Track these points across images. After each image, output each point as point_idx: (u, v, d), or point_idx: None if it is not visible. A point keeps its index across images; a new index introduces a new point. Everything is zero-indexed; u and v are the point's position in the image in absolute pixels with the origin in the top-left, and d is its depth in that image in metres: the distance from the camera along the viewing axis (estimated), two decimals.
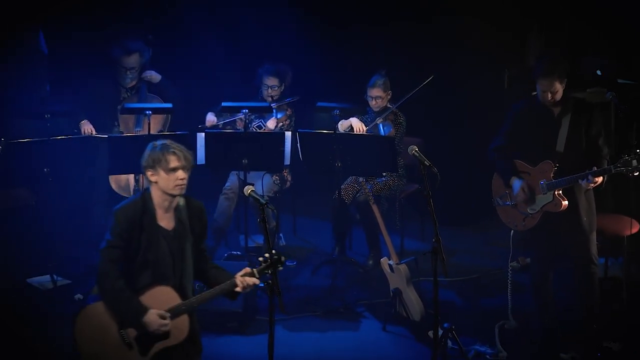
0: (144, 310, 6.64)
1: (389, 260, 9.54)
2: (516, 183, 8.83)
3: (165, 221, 6.83)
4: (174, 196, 6.80)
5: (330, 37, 12.44)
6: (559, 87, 8.64)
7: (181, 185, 6.72)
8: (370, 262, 10.65)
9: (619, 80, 10.61)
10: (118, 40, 10.67)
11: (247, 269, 6.83)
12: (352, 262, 10.71)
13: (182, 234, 6.87)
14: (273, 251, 6.81)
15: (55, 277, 10.15)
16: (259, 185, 10.29)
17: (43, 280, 10.24)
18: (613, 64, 10.88)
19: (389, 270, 9.55)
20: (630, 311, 9.31)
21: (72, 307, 9.79)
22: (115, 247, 6.66)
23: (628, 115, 8.86)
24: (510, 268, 9.50)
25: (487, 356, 8.91)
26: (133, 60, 10.54)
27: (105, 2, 12.46)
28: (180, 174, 6.72)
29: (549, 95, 8.65)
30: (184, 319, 6.83)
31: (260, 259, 6.84)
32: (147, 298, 6.70)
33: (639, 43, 11.44)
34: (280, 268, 6.86)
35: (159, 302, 6.71)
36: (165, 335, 6.76)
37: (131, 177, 10.32)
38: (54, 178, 9.92)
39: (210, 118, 10.50)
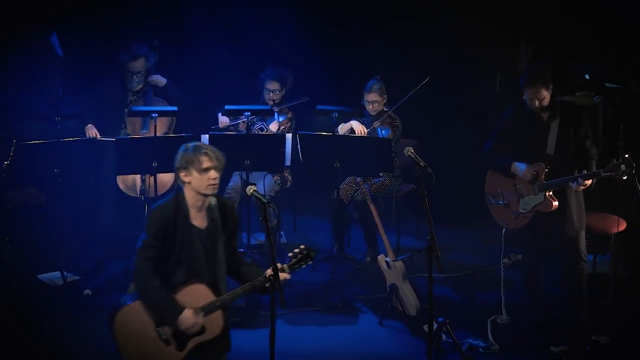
0: (180, 309, 6.66)
1: (386, 257, 9.55)
2: (521, 165, 8.81)
3: (199, 220, 6.82)
4: (206, 196, 6.79)
5: (329, 43, 12.46)
6: (546, 94, 8.71)
7: (214, 185, 6.72)
8: (368, 259, 10.67)
9: (607, 84, 10.63)
10: (125, 45, 10.69)
11: (281, 265, 6.80)
12: (350, 258, 10.73)
13: (214, 233, 6.87)
14: (302, 246, 6.92)
15: (65, 273, 10.16)
16: (261, 185, 10.30)
17: (53, 276, 10.25)
18: (600, 69, 10.89)
19: (385, 267, 9.57)
20: (618, 306, 9.32)
21: (82, 302, 9.86)
22: (151, 247, 6.66)
23: (615, 118, 8.86)
24: (503, 265, 9.52)
25: (480, 349, 8.92)
26: (139, 64, 10.55)
27: (113, 8, 12.48)
28: (213, 174, 6.72)
29: (537, 102, 8.72)
30: (218, 315, 6.84)
31: (290, 254, 6.90)
32: (182, 295, 6.71)
33: (626, 49, 11.47)
34: (310, 262, 6.96)
35: (194, 299, 6.72)
36: (201, 330, 6.78)
37: (138, 177, 10.33)
38: (63, 178, 9.95)
39: (223, 119, 10.51)
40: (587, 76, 10.87)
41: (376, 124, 10.34)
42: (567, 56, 11.30)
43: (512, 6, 11.87)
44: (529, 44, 12.03)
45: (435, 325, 8.32)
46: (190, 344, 6.81)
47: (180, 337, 6.77)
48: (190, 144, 6.82)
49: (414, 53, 11.96)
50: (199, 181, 6.71)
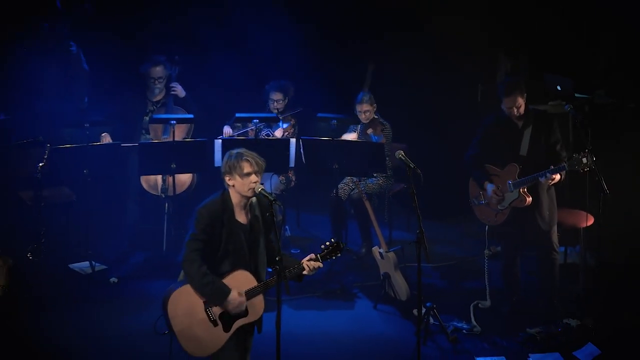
0: (228, 290, 6.70)
1: (379, 248, 9.57)
2: (489, 187, 8.98)
3: (242, 217, 6.85)
4: (248, 197, 6.84)
5: (328, 58, 12.45)
6: (522, 102, 8.80)
7: (253, 187, 6.76)
8: (363, 250, 10.67)
9: (576, 95, 10.65)
10: (146, 57, 10.70)
11: (312, 255, 6.92)
12: (347, 250, 10.74)
13: (256, 228, 6.91)
14: (332, 239, 7.02)
15: (93, 263, 10.18)
16: (268, 184, 10.31)
17: (83, 265, 10.26)
18: (570, 81, 10.92)
19: (379, 257, 9.59)
20: (586, 293, 9.34)
21: (110, 289, 9.88)
22: (199, 240, 6.68)
23: (583, 124, 8.90)
24: (485, 256, 9.55)
25: (464, 331, 8.94)
26: (159, 70, 10.53)
27: (135, 26, 12.51)
28: (253, 177, 6.75)
29: (515, 110, 8.79)
30: (260, 299, 6.90)
31: (323, 246, 6.98)
32: (228, 280, 6.74)
33: (591, 64, 11.51)
34: (339, 254, 7.04)
35: (239, 284, 6.77)
36: (245, 313, 6.82)
37: (159, 177, 10.34)
38: (92, 178, 9.95)
39: (227, 130, 10.53)
40: (558, 87, 10.88)
41: (369, 130, 10.36)
42: (541, 69, 11.30)
43: (492, 23, 11.87)
44: (507, 58, 12.03)
45: (423, 310, 8.35)
46: (235, 326, 6.84)
47: (227, 318, 6.81)
48: (234, 152, 6.86)
49: (401, 68, 11.94)
50: (241, 185, 6.76)
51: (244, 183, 6.76)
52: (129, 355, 8.43)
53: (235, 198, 6.83)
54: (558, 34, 11.57)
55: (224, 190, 6.87)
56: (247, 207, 6.89)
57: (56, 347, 8.58)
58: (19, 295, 5.90)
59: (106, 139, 10.33)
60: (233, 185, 6.80)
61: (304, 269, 6.91)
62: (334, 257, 7.05)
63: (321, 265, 6.96)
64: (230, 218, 6.80)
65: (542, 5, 11.70)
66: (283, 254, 6.82)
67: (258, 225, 6.93)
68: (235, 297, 6.72)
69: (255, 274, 6.89)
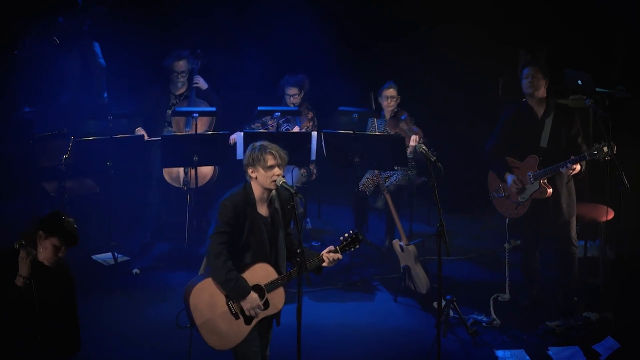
0: (247, 291, 6.66)
1: (400, 241, 9.54)
2: (509, 178, 8.94)
3: (263, 210, 6.82)
4: (270, 190, 6.80)
5: (351, 54, 12.44)
6: (543, 81, 8.74)
7: (276, 180, 6.71)
8: (386, 242, 10.63)
9: (597, 89, 10.58)
10: (170, 52, 10.70)
11: (331, 247, 6.89)
12: (369, 243, 10.71)
13: (276, 220, 6.87)
14: (351, 231, 6.99)
15: (116, 254, 10.18)
16: (289, 177, 10.29)
17: (106, 257, 10.29)
18: (591, 75, 10.86)
19: (399, 250, 9.56)
20: (606, 286, 9.29)
21: (132, 280, 9.88)
22: (223, 232, 6.64)
23: (604, 119, 8.83)
24: (505, 249, 9.50)
25: (483, 324, 8.91)
26: (183, 64, 10.54)
27: (162, 23, 12.55)
28: (277, 170, 6.72)
29: (535, 83, 8.74)
30: (280, 292, 6.87)
31: (341, 238, 6.95)
32: (249, 272, 6.71)
33: (613, 58, 11.44)
34: (358, 246, 7.01)
35: (260, 277, 6.75)
36: (266, 305, 6.79)
37: (181, 169, 10.33)
38: (115, 170, 9.97)
39: (232, 137, 10.43)
40: (579, 82, 10.81)
41: (402, 125, 10.29)
42: (562, 64, 11.23)
43: (514, 20, 11.84)
44: (527, 53, 11.96)
45: (443, 302, 8.32)
46: (257, 318, 6.81)
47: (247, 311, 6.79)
48: (257, 144, 6.82)
49: (423, 63, 11.90)
50: (264, 177, 6.71)
51: (267, 175, 6.72)
52: (150, 346, 8.44)
53: (257, 190, 6.78)
54: (579, 30, 11.50)
55: (246, 182, 6.83)
56: (269, 199, 6.84)
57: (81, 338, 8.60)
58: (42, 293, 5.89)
59: (140, 132, 10.31)
60: (256, 178, 6.76)
61: (323, 261, 6.87)
62: (352, 249, 7.01)
63: (340, 257, 6.92)
64: (252, 210, 6.76)
65: (562, 3, 11.64)
66: (303, 246, 6.78)
67: (278, 218, 6.89)
68: (253, 298, 6.69)
69: (275, 267, 6.85)
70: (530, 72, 8.80)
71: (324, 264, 6.89)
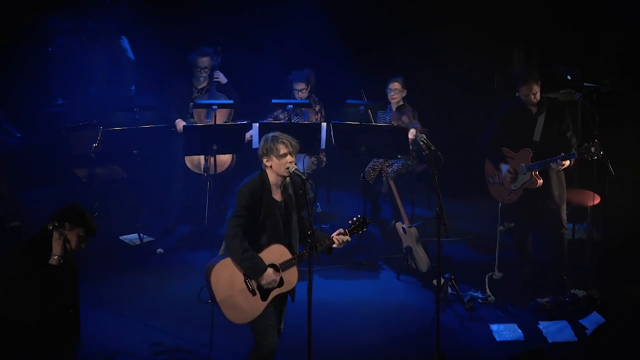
0: (264, 268, 6.69)
1: (402, 224, 9.56)
2: (504, 167, 8.94)
3: (277, 195, 6.83)
4: (284, 177, 6.82)
5: (358, 50, 12.42)
6: (537, 89, 8.74)
7: (289, 167, 6.73)
8: (393, 222, 10.63)
9: (585, 84, 10.58)
10: (194, 48, 10.70)
11: (341, 230, 6.92)
12: (381, 220, 10.72)
13: (289, 205, 6.90)
14: (359, 215, 7.03)
15: (142, 235, 10.23)
16: (301, 164, 10.29)
17: (132, 237, 10.33)
18: (579, 71, 10.86)
19: (402, 232, 9.57)
20: (592, 266, 9.29)
21: (156, 258, 9.92)
22: (241, 216, 6.65)
23: (592, 111, 8.85)
24: (498, 231, 9.52)
25: (479, 300, 8.93)
26: (206, 60, 10.52)
27: (185, 22, 12.57)
28: (289, 158, 6.73)
29: (532, 97, 8.73)
30: (293, 271, 6.89)
31: (350, 222, 6.98)
32: (265, 253, 6.73)
33: (599, 54, 11.43)
34: (365, 229, 7.05)
35: (275, 257, 6.77)
36: (281, 283, 6.81)
37: (202, 157, 10.35)
38: (141, 158, 10.01)
39: (247, 134, 10.40)
40: (569, 77, 10.81)
41: (404, 118, 10.26)
42: (553, 60, 11.22)
43: (508, 20, 11.83)
44: (521, 50, 11.95)
45: (442, 280, 8.34)
46: (272, 295, 6.83)
47: (264, 289, 6.80)
48: (270, 135, 6.84)
49: (429, 58, 11.89)
50: (278, 165, 6.73)
51: (281, 163, 6.73)
52: (174, 319, 8.47)
53: (272, 178, 6.80)
54: (568, 28, 11.49)
55: (262, 170, 6.84)
56: (282, 186, 6.87)
57: (107, 312, 8.64)
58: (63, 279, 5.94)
59: (180, 124, 10.33)
60: (270, 166, 6.77)
61: (333, 243, 6.90)
62: (360, 232, 7.04)
63: (349, 239, 6.96)
64: (268, 196, 6.78)
65: (553, 2, 11.62)
66: (314, 229, 6.80)
67: (291, 203, 6.92)
68: (270, 274, 6.72)
69: (289, 248, 6.87)
70: (525, 90, 8.75)
71: (334, 245, 6.92)
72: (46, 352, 6.09)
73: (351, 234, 6.97)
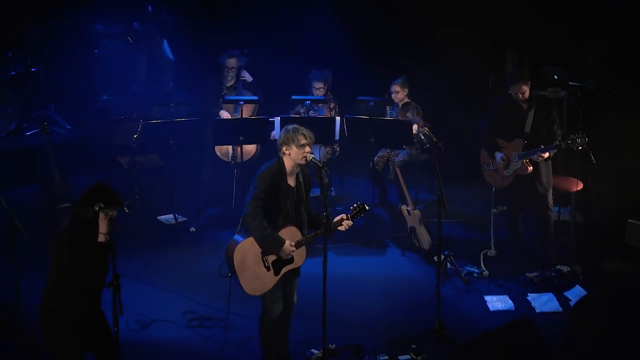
0: (282, 241, 6.72)
1: (407, 207, 9.54)
2: (498, 155, 8.94)
3: (292, 181, 6.85)
4: (300, 165, 6.84)
5: (369, 51, 12.40)
6: (526, 89, 8.74)
7: (306, 156, 6.73)
8: (398, 207, 10.62)
9: (570, 83, 10.54)
10: (223, 50, 10.69)
11: (343, 215, 6.91)
12: (389, 204, 10.70)
13: (300, 191, 6.91)
14: (358, 202, 7.00)
15: (177, 215, 10.26)
16: (317, 154, 10.29)
17: (168, 217, 10.35)
18: (565, 71, 10.81)
19: (406, 214, 9.56)
20: (576, 244, 9.27)
21: (188, 236, 9.94)
22: (260, 199, 6.65)
23: (575, 107, 8.84)
24: (492, 213, 9.50)
25: (475, 274, 8.92)
26: (233, 61, 10.50)
27: (215, 27, 12.60)
28: (307, 148, 6.74)
29: (520, 95, 8.72)
30: (302, 250, 6.92)
31: (351, 207, 6.97)
32: (282, 233, 6.77)
33: (584, 57, 11.39)
34: (363, 215, 7.01)
35: (288, 237, 6.79)
36: (291, 260, 6.86)
37: (230, 147, 10.34)
38: (176, 147, 10.01)
39: (272, 133, 10.37)
40: (555, 76, 10.76)
41: (408, 114, 10.23)
42: (542, 61, 11.17)
43: (503, 25, 11.78)
44: (513, 52, 11.91)
45: (442, 256, 8.33)
46: (283, 270, 6.87)
47: (277, 265, 6.84)
48: (290, 126, 6.83)
49: (432, 59, 11.84)
50: (297, 154, 6.73)
51: (299, 152, 6.73)
52: (201, 288, 8.54)
53: (288, 165, 6.80)
54: (556, 33, 11.43)
55: (279, 158, 6.84)
56: (295, 173, 6.87)
57: (146, 284, 8.69)
58: (118, 241, 5.96)
59: (225, 114, 10.34)
60: (289, 154, 6.76)
61: (340, 225, 6.90)
62: (360, 216, 7.01)
63: (351, 223, 6.94)
64: (284, 182, 6.79)
65: (544, 9, 11.56)
66: (328, 210, 6.80)
67: (302, 189, 6.93)
68: (288, 246, 6.74)
69: (300, 229, 6.90)
70: (514, 89, 8.74)
71: (340, 228, 6.93)
72: (93, 317, 6.12)
73: (353, 219, 6.96)
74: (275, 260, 6.83)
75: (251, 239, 6.77)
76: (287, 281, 7.00)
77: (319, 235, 6.88)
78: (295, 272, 7.03)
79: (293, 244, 6.78)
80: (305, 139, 6.75)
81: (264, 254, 6.80)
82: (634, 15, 10.57)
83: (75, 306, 6.00)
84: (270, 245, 6.74)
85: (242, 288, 6.83)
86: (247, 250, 6.78)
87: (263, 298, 6.93)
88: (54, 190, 9.63)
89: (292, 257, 6.85)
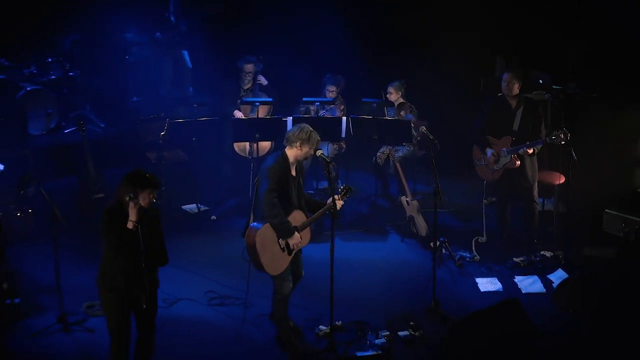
0: (293, 231, 6.87)
1: (406, 197, 9.54)
2: (488, 151, 8.93)
3: (293, 171, 6.99)
4: (300, 160, 6.99)
5: (371, 57, 12.37)
6: (516, 82, 8.73)
7: (317, 153, 6.93)
8: (398, 198, 10.60)
9: (554, 86, 10.53)
10: (241, 56, 10.68)
11: (336, 196, 6.96)
12: (390, 196, 10.69)
13: (299, 179, 7.05)
14: (343, 185, 7.19)
15: (199, 205, 10.27)
16: (325, 150, 10.29)
17: (191, 207, 10.35)
18: (549, 76, 10.79)
19: (406, 204, 9.56)
20: (558, 232, 9.26)
21: (210, 224, 9.95)
22: (274, 189, 6.77)
23: (559, 108, 8.84)
24: (483, 204, 9.50)
25: (467, 259, 8.93)
26: (250, 67, 10.50)
27: (232, 36, 12.59)
28: (314, 149, 6.96)
29: (511, 85, 8.76)
30: (307, 231, 7.08)
31: (339, 189, 7.10)
32: (291, 218, 6.91)
33: (566, 63, 11.36)
34: (349, 196, 7.13)
35: (296, 220, 6.95)
36: (299, 246, 7.02)
37: (247, 143, 10.34)
38: (198, 144, 10.02)
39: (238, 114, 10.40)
40: (540, 81, 10.74)
41: (402, 112, 10.23)
42: (529, 67, 11.13)
43: (493, 33, 11.77)
44: (503, 58, 11.88)
45: (437, 243, 8.33)
46: (294, 249, 7.01)
47: (289, 246, 6.95)
48: (309, 128, 6.95)
49: (429, 64, 11.82)
50: (307, 153, 6.92)
51: (309, 152, 6.91)
52: (223, 273, 8.55)
53: (291, 158, 6.95)
54: (541, 41, 11.40)
55: (282, 151, 6.95)
56: (295, 165, 7.00)
57: (171, 266, 8.66)
58: (144, 229, 5.97)
59: (239, 114, 10.33)
60: (299, 150, 6.87)
61: (336, 206, 6.97)
62: (347, 197, 7.12)
63: (342, 203, 7.02)
64: (288, 172, 6.92)
65: (530, 19, 11.54)
66: (335, 195, 6.93)
67: (299, 177, 7.07)
68: (297, 236, 6.89)
69: (303, 212, 7.07)
70: (507, 78, 8.79)
71: (338, 203, 6.97)
72: (137, 288, 6.15)
73: (342, 198, 7.04)
74: (287, 242, 6.94)
75: (268, 225, 6.83)
76: (294, 259, 7.10)
77: (316, 219, 7.11)
78: (300, 251, 7.17)
79: (298, 227, 6.91)
80: (317, 145, 6.95)
81: (279, 237, 6.90)
82: (612, 21, 10.54)
83: (116, 274, 6.09)
84: (284, 232, 6.85)
85: (264, 268, 6.90)
86: (266, 235, 6.86)
87: (274, 278, 6.99)
88: (89, 182, 9.65)
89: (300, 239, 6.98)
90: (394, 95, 10.44)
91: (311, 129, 6.96)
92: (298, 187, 7.04)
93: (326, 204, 7.01)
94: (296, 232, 6.89)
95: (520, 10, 11.67)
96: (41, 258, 8.37)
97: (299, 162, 7.06)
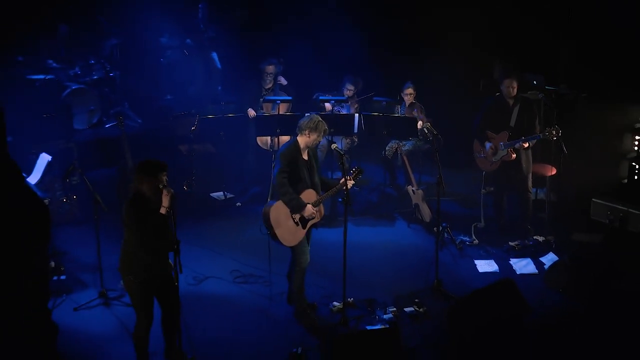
0: (304, 204, 6.95)
1: (412, 187, 9.53)
2: (487, 145, 8.92)
3: (305, 156, 7.06)
4: (309, 146, 7.04)
5: (382, 60, 12.34)
6: (516, 85, 8.72)
7: (332, 146, 7.13)
8: (405, 187, 10.57)
9: (547, 87, 10.47)
10: (264, 59, 10.69)
11: (348, 177, 7.06)
12: (398, 186, 10.67)
13: (312, 162, 7.12)
14: (356, 166, 7.24)
15: (225, 192, 10.29)
16: (339, 143, 10.28)
17: (219, 194, 10.38)
18: (543, 77, 10.73)
19: (412, 193, 9.56)
20: (550, 219, 9.22)
21: (235, 210, 9.97)
22: (285, 171, 6.90)
23: (551, 107, 8.82)
24: (482, 193, 9.48)
25: (467, 243, 8.91)
26: (271, 68, 10.47)
27: (256, 40, 12.59)
28: (320, 139, 7.07)
29: (511, 89, 8.74)
30: (320, 208, 7.15)
31: (352, 171, 7.18)
32: (303, 196, 6.98)
33: (558, 65, 11.29)
34: (360, 176, 7.21)
35: (309, 197, 7.03)
36: (314, 216, 7.08)
37: (269, 137, 10.33)
38: (225, 138, 10.03)
39: (251, 112, 10.36)
40: (534, 82, 10.68)
41: (414, 112, 10.17)
42: (524, 68, 11.07)
43: (492, 37, 11.70)
44: (501, 61, 11.82)
45: (440, 228, 8.32)
46: (308, 225, 7.10)
47: (303, 221, 7.03)
48: (314, 118, 7.03)
49: (434, 65, 11.77)
50: (315, 140, 7.01)
51: (317, 140, 7.02)
52: (247, 253, 8.57)
53: (302, 144, 7.05)
54: (536, 45, 11.33)
55: (295, 139, 7.07)
56: (307, 150, 7.06)
57: (201, 248, 8.76)
58: (178, 214, 5.99)
59: (251, 112, 10.34)
60: (308, 137, 6.98)
61: (343, 186, 7.05)
62: (359, 177, 7.20)
63: (353, 182, 7.12)
64: (299, 157, 7.02)
65: (526, 24, 11.47)
66: (322, 177, 7.17)
67: (313, 162, 7.14)
68: (309, 208, 6.99)
69: (316, 191, 7.12)
70: (507, 83, 8.79)
71: (349, 184, 7.06)
72: (159, 271, 6.17)
73: (354, 179, 7.14)
74: (301, 217, 7.01)
75: (281, 202, 6.97)
76: (307, 234, 7.21)
77: (329, 196, 7.18)
78: (313, 225, 7.23)
79: (312, 204, 6.99)
80: (325, 133, 7.04)
81: (292, 213, 6.96)
82: (600, 25, 10.48)
83: (140, 259, 6.07)
84: (295, 206, 6.95)
85: (280, 240, 7.00)
86: (279, 210, 6.97)
87: (293, 251, 7.08)
88: (127, 172, 9.68)
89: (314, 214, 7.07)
90: (412, 96, 10.36)
91: (320, 118, 7.05)
92: (310, 169, 7.09)
93: (339, 183, 7.08)
94: (309, 205, 6.97)
95: (517, 13, 11.60)
96: (84, 239, 8.45)
97: (310, 148, 7.10)
